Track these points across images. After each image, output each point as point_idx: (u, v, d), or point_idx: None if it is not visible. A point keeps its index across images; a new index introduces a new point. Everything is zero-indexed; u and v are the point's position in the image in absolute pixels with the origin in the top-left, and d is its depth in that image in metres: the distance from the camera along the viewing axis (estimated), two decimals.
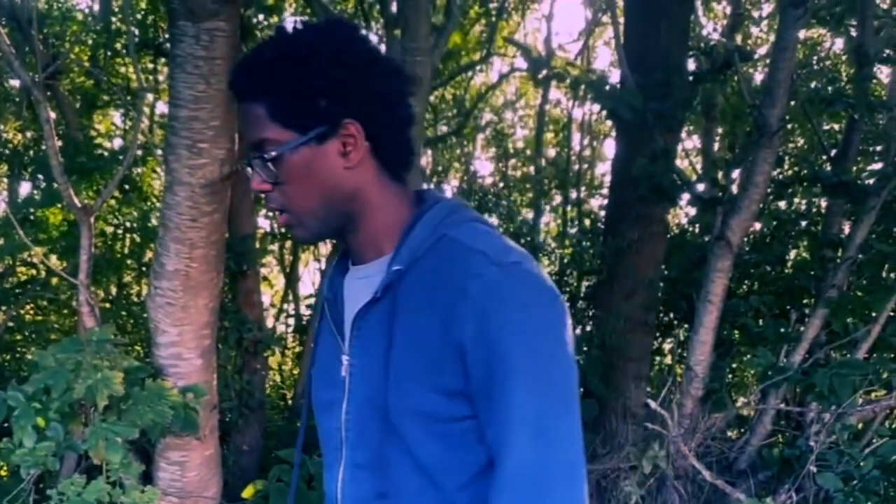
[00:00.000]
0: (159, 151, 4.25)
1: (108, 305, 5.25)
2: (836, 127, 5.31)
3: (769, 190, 4.31)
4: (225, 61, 2.35)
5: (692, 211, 5.61)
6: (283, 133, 0.99)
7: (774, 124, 3.35)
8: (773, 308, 4.38)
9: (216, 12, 2.28)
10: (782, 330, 3.90)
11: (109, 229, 5.45)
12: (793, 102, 4.00)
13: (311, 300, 6.62)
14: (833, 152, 4.37)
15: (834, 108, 4.16)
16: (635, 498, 3.38)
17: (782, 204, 5.27)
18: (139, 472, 2.57)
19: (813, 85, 5.32)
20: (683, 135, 6.02)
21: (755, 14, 6.58)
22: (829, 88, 4.84)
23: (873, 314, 3.70)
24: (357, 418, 1.06)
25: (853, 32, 4.40)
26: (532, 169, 8.27)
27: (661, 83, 3.96)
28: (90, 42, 5.60)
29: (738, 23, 5.87)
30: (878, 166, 4.41)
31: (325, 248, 6.68)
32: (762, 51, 6.15)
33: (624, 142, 4.91)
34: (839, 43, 5.79)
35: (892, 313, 3.74)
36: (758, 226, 4.96)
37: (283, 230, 5.58)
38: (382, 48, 3.92)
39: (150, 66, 5.77)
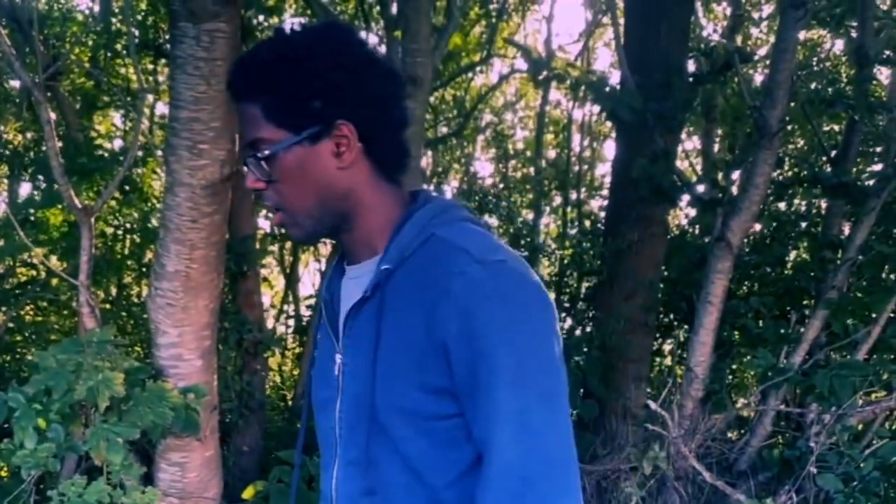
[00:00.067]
0: (160, 152, 4.25)
1: (108, 306, 5.25)
2: (836, 128, 5.31)
3: (769, 191, 4.32)
4: (225, 62, 2.35)
5: (692, 212, 5.62)
6: (277, 133, 1.00)
7: (774, 125, 3.36)
8: (774, 309, 4.39)
9: (217, 13, 2.28)
10: (782, 331, 3.90)
11: (110, 230, 5.46)
12: (793, 104, 4.00)
13: (311, 301, 6.62)
14: (833, 153, 4.37)
15: (834, 110, 4.16)
16: (636, 499, 3.38)
17: (782, 205, 5.27)
18: (140, 473, 2.57)
19: (813, 86, 5.32)
20: (683, 136, 6.04)
21: (755, 15, 6.59)
22: (830, 90, 4.84)
23: (873, 315, 3.70)
24: (348, 417, 1.07)
25: (853, 34, 4.40)
26: (532, 170, 8.27)
27: (662, 84, 3.97)
28: (90, 43, 5.61)
29: (739, 24, 5.86)
30: (878, 167, 4.41)
31: (325, 248, 6.69)
32: (762, 52, 6.16)
33: (624, 143, 4.92)
34: (839, 44, 5.80)
35: (892, 314, 3.74)
36: (758, 227, 4.97)
37: (283, 231, 5.58)
38: (383, 49, 3.93)
39: (151, 67, 5.78)
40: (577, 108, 7.98)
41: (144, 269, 5.36)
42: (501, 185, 8.37)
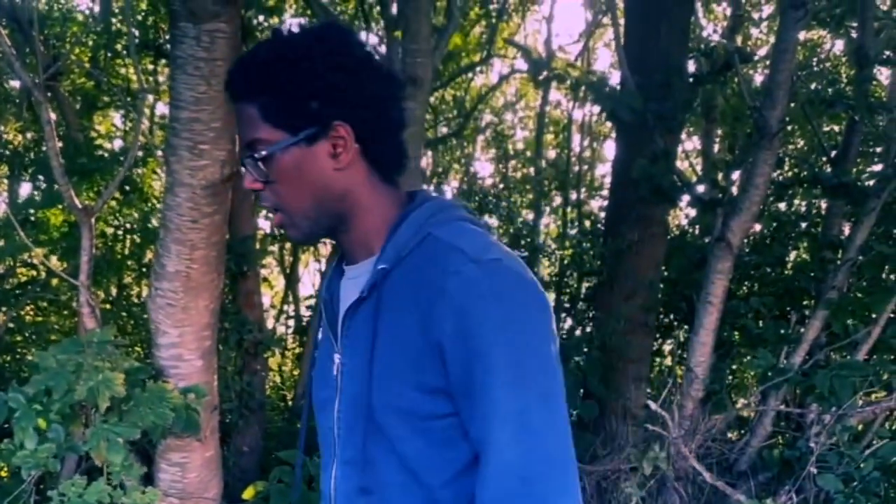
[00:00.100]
0: (160, 152, 4.25)
1: (108, 306, 5.25)
2: (837, 128, 5.31)
3: (769, 191, 4.32)
4: (226, 63, 2.35)
5: (692, 212, 5.63)
6: (274, 133, 1.00)
7: (774, 126, 3.36)
8: (774, 309, 4.38)
9: (217, 14, 2.28)
10: (782, 331, 3.90)
11: (110, 230, 5.46)
12: (793, 104, 4.00)
13: (311, 301, 6.63)
14: (833, 154, 4.36)
15: (834, 110, 4.16)
16: (636, 499, 3.38)
17: (782, 205, 5.28)
18: (140, 474, 2.57)
19: (813, 86, 5.32)
20: (683, 136, 6.04)
21: (755, 15, 6.59)
22: (830, 90, 4.84)
23: (873, 316, 3.69)
24: (346, 416, 1.07)
25: (853, 34, 4.40)
26: (532, 170, 8.27)
27: (662, 85, 3.97)
28: (91, 43, 5.61)
29: (739, 24, 5.86)
30: (878, 168, 4.41)
31: (325, 248, 6.69)
32: (762, 52, 6.16)
33: (624, 143, 4.92)
34: (839, 44, 5.80)
35: (892, 315, 3.73)
36: (758, 227, 4.97)
37: (282, 231, 5.57)
38: (383, 49, 3.93)
39: (151, 67, 5.78)
40: (577, 109, 7.99)
41: (144, 270, 5.36)
42: (501, 186, 8.37)
